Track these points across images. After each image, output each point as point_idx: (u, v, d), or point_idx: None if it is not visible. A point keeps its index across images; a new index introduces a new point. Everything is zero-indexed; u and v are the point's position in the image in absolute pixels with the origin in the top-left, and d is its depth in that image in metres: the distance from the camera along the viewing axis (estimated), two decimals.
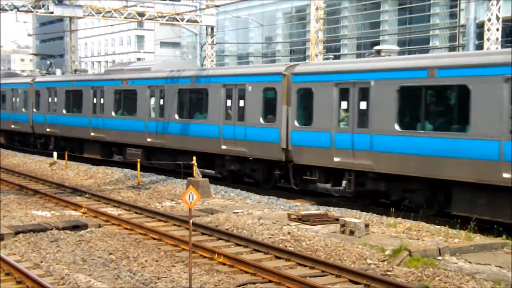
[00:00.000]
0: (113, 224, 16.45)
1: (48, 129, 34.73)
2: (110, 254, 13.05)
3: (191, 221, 11.40)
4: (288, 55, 69.24)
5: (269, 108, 21.40)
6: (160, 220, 16.87)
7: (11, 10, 27.83)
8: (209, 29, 32.77)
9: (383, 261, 12.31)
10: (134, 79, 27.91)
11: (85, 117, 31.12)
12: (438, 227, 15.38)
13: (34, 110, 36.36)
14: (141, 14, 31.27)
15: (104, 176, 25.91)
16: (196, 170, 21.31)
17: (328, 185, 20.83)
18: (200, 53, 62.27)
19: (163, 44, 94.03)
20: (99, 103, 30.13)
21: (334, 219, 16.17)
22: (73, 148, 32.71)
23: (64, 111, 33.24)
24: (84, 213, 17.90)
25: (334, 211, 17.75)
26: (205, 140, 23.45)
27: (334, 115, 18.83)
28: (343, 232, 14.67)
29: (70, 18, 38.31)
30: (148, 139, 26.44)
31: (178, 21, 31.76)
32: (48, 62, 44.58)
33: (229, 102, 22.74)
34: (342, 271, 11.53)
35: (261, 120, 21.45)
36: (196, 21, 32.25)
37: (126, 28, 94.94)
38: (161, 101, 26.06)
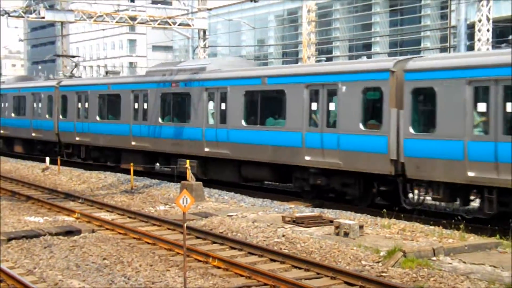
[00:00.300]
0: (107, 229, 16.39)
1: (77, 138, 31.11)
2: (104, 259, 13.00)
3: (185, 225, 11.37)
4: (280, 57, 69.30)
5: (372, 112, 18.29)
6: (154, 224, 16.82)
7: (2, 15, 27.75)
8: (201, 33, 32.77)
9: (378, 262, 12.31)
10: (186, 81, 24.46)
11: (124, 124, 27.65)
12: (432, 227, 15.40)
13: (60, 116, 32.64)
14: (133, 18, 31.25)
15: (97, 181, 25.84)
16: (189, 174, 21.28)
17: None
18: (192, 56, 62.23)
19: (155, 47, 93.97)
20: (141, 109, 26.80)
21: (329, 221, 16.17)
22: (108, 158, 29.96)
23: (97, 118, 29.73)
24: (77, 218, 17.83)
25: (328, 213, 17.74)
26: (282, 150, 20.20)
27: (466, 119, 15.47)
28: (337, 234, 14.67)
29: (62, 23, 38.27)
30: (206, 149, 23.15)
31: (170, 24, 31.74)
32: (73, 63, 39.20)
33: (314, 106, 19.42)
34: (337, 273, 11.52)
35: (361, 126, 17.96)
36: (188, 25, 32.25)
37: (118, 32, 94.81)
38: (223, 106, 22.65)
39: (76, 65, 38.25)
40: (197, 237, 14.97)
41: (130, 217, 17.98)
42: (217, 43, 73.01)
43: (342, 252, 13.03)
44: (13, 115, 37.93)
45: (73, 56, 43.59)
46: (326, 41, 63.08)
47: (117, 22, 31.04)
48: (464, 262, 12.37)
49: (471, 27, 28.62)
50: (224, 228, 15.82)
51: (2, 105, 39.05)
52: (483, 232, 14.93)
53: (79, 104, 31.17)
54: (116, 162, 28.92)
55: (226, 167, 22.87)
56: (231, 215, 17.58)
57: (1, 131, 38.35)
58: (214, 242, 14.48)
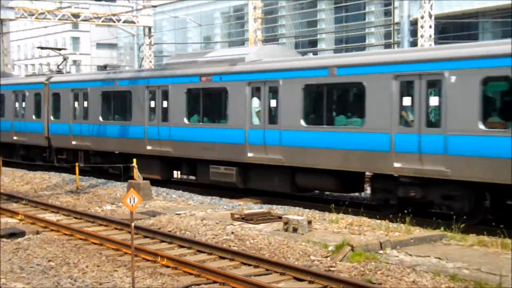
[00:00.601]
0: (52, 230, 16.06)
1: (74, 142, 27.23)
2: (49, 261, 12.74)
3: (133, 224, 11.23)
4: None
5: (494, 107, 15.19)
6: (100, 225, 16.57)
7: None
8: (147, 30, 32.47)
9: (326, 257, 12.41)
10: (221, 74, 20.89)
11: (137, 126, 23.93)
12: (379, 221, 15.63)
13: (52, 117, 28.78)
14: (76, 16, 30.76)
15: (41, 182, 25.31)
16: (136, 172, 21.04)
17: None
18: (137, 54, 61.58)
19: (99, 45, 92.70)
20: (160, 108, 23.01)
21: (277, 217, 16.23)
22: (111, 162, 25.84)
23: (100, 119, 25.97)
24: (21, 220, 17.42)
25: (277, 209, 17.80)
26: (359, 155, 17.00)
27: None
28: (286, 230, 14.73)
29: (2, 20, 37.33)
30: (250, 154, 19.73)
31: (114, 22, 31.37)
32: (63, 58, 34.03)
33: (406, 100, 16.15)
34: (286, 269, 11.56)
35: (480, 126, 14.56)
36: (133, 22, 31.94)
37: (60, 30, 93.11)
38: (273, 102, 19.39)
39: (65, 59, 33.42)
40: (145, 237, 14.81)
41: (76, 218, 17.66)
42: (162, 41, 72.50)
43: (291, 248, 13.09)
44: None
45: (59, 49, 38.92)
46: (273, 38, 63.36)
47: (59, 19, 30.52)
48: (410, 255, 12.59)
49: (414, 23, 29.13)
50: (173, 226, 15.71)
51: None
52: (428, 225, 15.22)
53: (76, 103, 27.35)
54: (125, 170, 24.40)
55: (275, 175, 19.58)
56: (180, 214, 17.46)
57: None
58: (163, 241, 14.35)
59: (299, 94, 18.48)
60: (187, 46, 72.96)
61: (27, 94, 30.30)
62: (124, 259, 12.90)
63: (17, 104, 31.20)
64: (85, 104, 26.80)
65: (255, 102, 19.92)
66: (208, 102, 21.89)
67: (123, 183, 22.82)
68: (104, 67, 28.49)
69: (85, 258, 12.95)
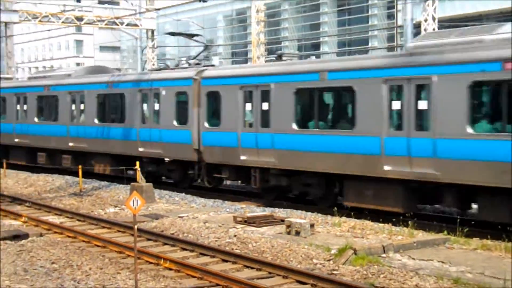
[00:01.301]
0: (55, 232, 16.09)
1: (244, 157, 20.09)
2: (53, 263, 12.76)
3: (135, 226, 11.25)
4: (230, 57, 69.30)
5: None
6: (104, 227, 16.59)
7: None
8: (150, 33, 32.52)
9: (329, 260, 12.40)
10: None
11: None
12: (381, 225, 15.62)
13: (206, 124, 21.55)
14: (80, 19, 30.83)
15: (44, 184, 25.35)
16: (139, 175, 21.05)
17: None
18: (140, 57, 61.68)
19: (102, 48, 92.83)
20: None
21: (280, 220, 16.22)
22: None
23: (294, 126, 18.73)
24: (24, 222, 17.45)
25: (279, 212, 17.80)
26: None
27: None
28: (289, 233, 14.73)
29: (6, 23, 37.44)
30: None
31: (117, 25, 31.44)
32: (204, 46, 26.11)
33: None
34: (289, 272, 11.56)
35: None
36: (136, 25, 32.01)
37: (64, 33, 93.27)
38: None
39: (206, 47, 26.05)
40: (148, 239, 14.82)
41: (79, 220, 17.69)
42: (165, 44, 72.55)
43: (293, 251, 13.09)
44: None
45: (194, 35, 27.11)
46: (275, 41, 63.38)
47: (63, 22, 30.59)
48: (413, 259, 12.57)
49: (417, 26, 29.14)
50: (175, 229, 15.72)
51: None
52: (431, 228, 15.21)
53: (249, 105, 20.24)
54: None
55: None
56: (182, 216, 17.48)
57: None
58: (165, 244, 14.36)
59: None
60: (190, 49, 73.02)
61: (163, 93, 23.03)
62: (127, 261, 12.92)
63: (145, 107, 24.15)
64: (265, 106, 19.64)
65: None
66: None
67: (126, 186, 22.78)
68: (279, 57, 21.09)
69: (88, 260, 12.97)
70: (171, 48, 73.99)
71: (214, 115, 21.45)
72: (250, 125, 20.09)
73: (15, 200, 21.36)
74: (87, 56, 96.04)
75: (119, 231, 16.03)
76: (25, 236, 15.15)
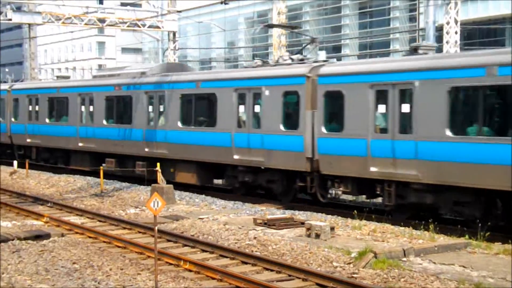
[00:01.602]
0: (76, 232, 16.21)
1: (374, 168, 17.07)
2: (74, 263, 12.85)
3: (156, 228, 11.29)
4: (250, 59, 69.38)
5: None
6: (124, 228, 16.68)
7: None
8: (171, 35, 32.64)
9: (349, 263, 12.36)
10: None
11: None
12: (402, 228, 15.52)
13: (323, 129, 18.48)
14: (102, 20, 31.01)
15: (66, 185, 25.55)
16: (160, 177, 21.14)
17: None
18: (162, 58, 61.94)
19: (124, 50, 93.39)
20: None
21: (300, 223, 16.20)
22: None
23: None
24: (46, 222, 17.60)
25: (299, 215, 17.78)
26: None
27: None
28: (309, 236, 14.70)
29: (29, 25, 37.80)
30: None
31: (139, 27, 31.58)
32: (310, 39, 23.03)
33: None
34: (309, 275, 11.53)
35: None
36: (157, 27, 32.11)
37: (86, 35, 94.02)
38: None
39: (313, 41, 22.78)
40: (168, 240, 14.87)
41: (100, 221, 17.80)
42: (187, 45, 72.85)
43: (313, 253, 13.06)
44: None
45: (292, 28, 27.29)
46: (297, 43, 63.31)
47: (85, 24, 30.78)
48: (434, 263, 12.49)
49: (439, 29, 28.98)
50: (195, 231, 15.76)
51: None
52: (453, 232, 15.09)
53: (383, 108, 17.28)
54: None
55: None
56: (202, 218, 17.52)
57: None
58: (185, 245, 14.40)
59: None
60: (211, 51, 73.25)
61: (266, 93, 20.16)
62: (147, 262, 12.98)
63: (241, 109, 21.18)
64: (405, 108, 16.54)
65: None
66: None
67: (147, 187, 22.87)
68: (414, 50, 17.69)
69: (108, 261, 13.05)
70: (192, 50, 74.31)
71: (334, 119, 18.57)
72: (383, 130, 16.98)
73: (37, 200, 21.55)
74: (109, 58, 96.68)
75: (139, 232, 16.11)
76: (47, 236, 15.28)
